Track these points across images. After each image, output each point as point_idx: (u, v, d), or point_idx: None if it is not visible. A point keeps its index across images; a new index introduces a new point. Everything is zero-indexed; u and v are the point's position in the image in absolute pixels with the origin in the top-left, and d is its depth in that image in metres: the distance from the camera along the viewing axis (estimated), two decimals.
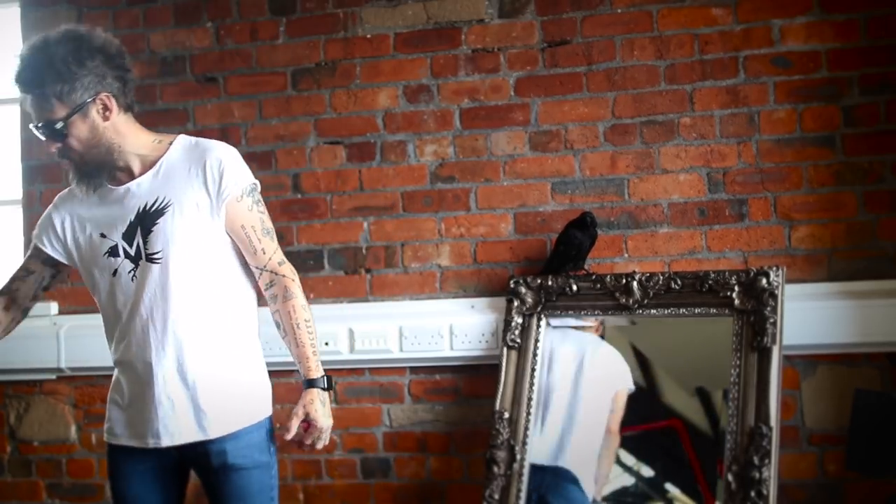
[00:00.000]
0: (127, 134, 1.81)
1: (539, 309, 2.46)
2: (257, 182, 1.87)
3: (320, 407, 1.80)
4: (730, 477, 2.11)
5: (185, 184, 1.79)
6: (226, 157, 1.82)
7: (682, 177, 2.53)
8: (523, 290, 2.48)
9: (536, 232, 2.60)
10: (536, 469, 2.36)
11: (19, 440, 2.88)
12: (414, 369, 2.65)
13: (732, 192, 2.50)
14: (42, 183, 2.91)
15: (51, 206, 1.94)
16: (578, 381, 2.41)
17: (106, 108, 1.76)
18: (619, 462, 2.34)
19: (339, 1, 2.74)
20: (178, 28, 2.85)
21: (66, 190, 1.93)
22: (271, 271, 1.84)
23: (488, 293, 2.61)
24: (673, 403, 2.33)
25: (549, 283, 2.45)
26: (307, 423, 1.81)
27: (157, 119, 2.83)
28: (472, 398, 2.61)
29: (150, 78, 2.85)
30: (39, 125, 1.75)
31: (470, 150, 2.65)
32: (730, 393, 2.18)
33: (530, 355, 2.43)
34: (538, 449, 2.38)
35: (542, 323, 2.45)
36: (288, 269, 1.86)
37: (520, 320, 2.47)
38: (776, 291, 2.19)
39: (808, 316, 2.33)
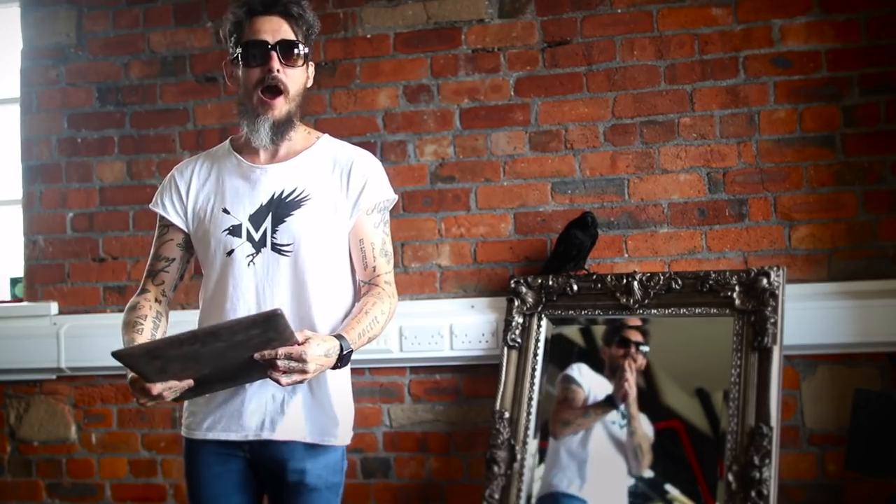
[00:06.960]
0: (299, 112, 1.81)
1: (540, 308, 2.45)
2: (394, 199, 1.83)
3: (319, 351, 1.57)
4: (730, 477, 2.11)
5: (325, 183, 1.75)
6: (372, 167, 1.79)
7: (682, 177, 2.54)
8: (524, 289, 2.48)
9: (536, 232, 2.60)
10: None
11: (19, 440, 2.88)
12: (414, 369, 2.65)
13: (732, 192, 2.50)
14: (42, 183, 2.91)
15: (174, 170, 1.84)
16: None
17: (309, 76, 1.80)
18: None
19: (339, 1, 2.74)
20: (178, 28, 2.85)
21: (187, 160, 1.86)
22: (375, 285, 1.77)
23: (488, 293, 2.61)
24: (673, 404, 2.32)
25: (550, 282, 2.45)
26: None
27: (157, 119, 2.84)
28: (472, 398, 2.61)
29: (150, 78, 2.85)
30: (285, 40, 1.70)
31: (470, 150, 2.65)
32: (730, 393, 2.18)
33: (531, 355, 2.43)
34: None
35: (543, 322, 2.45)
36: (390, 289, 1.78)
37: (520, 320, 2.47)
38: (777, 291, 2.19)
39: (808, 316, 2.34)
